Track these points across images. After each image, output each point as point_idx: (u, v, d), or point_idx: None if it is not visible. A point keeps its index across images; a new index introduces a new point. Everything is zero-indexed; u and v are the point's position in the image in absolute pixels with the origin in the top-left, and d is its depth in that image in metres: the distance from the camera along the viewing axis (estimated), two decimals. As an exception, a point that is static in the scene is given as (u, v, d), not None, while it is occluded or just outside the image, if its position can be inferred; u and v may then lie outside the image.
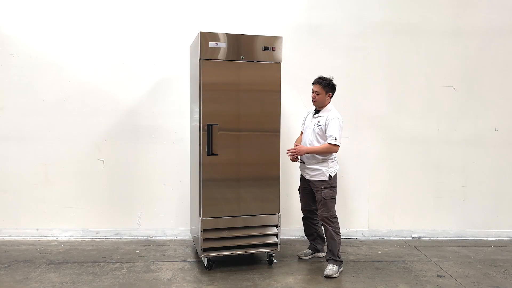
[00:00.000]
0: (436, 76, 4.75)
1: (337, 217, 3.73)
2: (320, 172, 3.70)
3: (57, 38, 4.45)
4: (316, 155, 3.70)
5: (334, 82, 3.75)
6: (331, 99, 3.77)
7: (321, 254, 4.08)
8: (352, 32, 4.66)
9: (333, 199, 3.72)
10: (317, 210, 3.84)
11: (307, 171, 3.80)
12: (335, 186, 3.75)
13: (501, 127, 4.82)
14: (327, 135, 3.63)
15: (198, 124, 3.62)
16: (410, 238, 4.81)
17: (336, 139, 3.60)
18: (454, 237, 4.85)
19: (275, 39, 3.70)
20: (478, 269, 3.91)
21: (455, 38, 4.73)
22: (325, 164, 3.70)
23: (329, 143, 3.60)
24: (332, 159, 3.72)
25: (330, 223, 3.68)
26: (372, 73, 4.69)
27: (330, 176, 3.68)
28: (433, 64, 4.74)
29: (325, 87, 3.68)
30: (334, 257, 3.69)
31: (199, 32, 3.54)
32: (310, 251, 4.10)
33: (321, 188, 3.69)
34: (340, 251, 3.74)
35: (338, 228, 3.72)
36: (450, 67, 4.75)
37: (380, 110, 4.73)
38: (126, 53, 4.51)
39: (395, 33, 4.69)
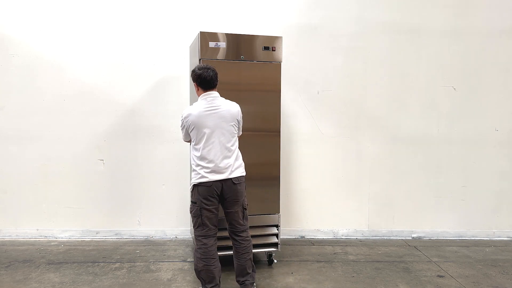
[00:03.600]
0: (436, 76, 4.75)
1: (200, 241, 3.03)
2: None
3: (57, 38, 4.45)
4: None
5: (198, 70, 3.05)
6: (204, 90, 3.06)
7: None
8: (352, 32, 4.66)
9: (192, 216, 3.05)
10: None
11: None
12: (194, 202, 3.00)
13: (501, 127, 4.82)
14: None
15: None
16: (410, 238, 4.81)
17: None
18: (454, 237, 4.85)
19: (275, 39, 3.70)
20: (478, 269, 3.91)
21: (455, 38, 4.73)
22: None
23: None
24: (193, 167, 3.05)
25: (195, 243, 3.12)
26: (372, 73, 4.69)
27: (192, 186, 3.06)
28: (433, 64, 4.74)
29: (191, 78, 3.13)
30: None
31: (199, 32, 3.54)
32: None
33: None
34: (209, 283, 3.03)
35: (201, 255, 3.01)
36: (450, 67, 4.75)
37: (380, 110, 4.73)
38: (126, 53, 4.51)
39: (395, 33, 4.69)
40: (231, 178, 3.02)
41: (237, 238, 3.17)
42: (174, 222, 4.64)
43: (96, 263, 3.86)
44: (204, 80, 3.02)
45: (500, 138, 4.82)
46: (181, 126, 3.11)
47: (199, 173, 2.97)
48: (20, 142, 4.48)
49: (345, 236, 4.76)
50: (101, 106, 4.51)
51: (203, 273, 3.02)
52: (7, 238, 4.51)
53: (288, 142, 4.25)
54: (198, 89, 3.09)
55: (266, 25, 4.55)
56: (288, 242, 4.50)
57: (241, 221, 3.16)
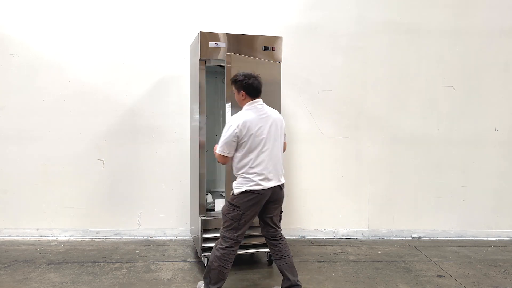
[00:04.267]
0: (436, 76, 4.75)
1: (227, 242, 2.97)
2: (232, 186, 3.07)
3: (57, 38, 4.45)
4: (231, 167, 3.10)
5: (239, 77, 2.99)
6: (251, 98, 3.01)
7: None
8: (352, 32, 4.66)
9: (227, 218, 2.98)
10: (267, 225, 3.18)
11: None
12: (237, 207, 2.93)
13: (501, 127, 4.82)
14: None
15: (198, 124, 3.62)
16: (410, 238, 4.81)
17: (221, 147, 2.95)
18: (454, 237, 4.85)
19: (275, 39, 3.70)
20: (478, 269, 3.91)
21: (455, 38, 4.73)
22: (236, 177, 3.04)
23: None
24: (243, 174, 2.95)
25: (219, 241, 3.04)
26: (372, 73, 4.69)
27: (233, 193, 3.01)
28: (433, 64, 4.74)
29: (234, 85, 3.05)
30: (205, 280, 3.05)
31: (199, 32, 3.54)
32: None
33: (227, 200, 3.10)
34: (214, 284, 2.97)
35: (219, 245, 2.99)
36: (450, 67, 4.75)
37: (380, 110, 4.73)
38: (126, 53, 4.51)
39: (395, 33, 4.69)
40: (279, 185, 3.04)
41: (275, 242, 3.15)
42: (174, 222, 4.64)
43: (96, 263, 3.86)
44: (255, 88, 3.00)
45: (500, 138, 4.82)
46: (229, 136, 2.89)
47: (253, 180, 2.92)
48: (20, 142, 4.48)
49: (345, 236, 4.76)
50: (101, 106, 4.51)
51: (214, 272, 2.96)
52: (7, 238, 4.51)
53: (288, 142, 4.24)
54: (245, 98, 3.01)
55: (266, 25, 4.55)
56: (288, 242, 4.48)
57: (279, 224, 3.23)
